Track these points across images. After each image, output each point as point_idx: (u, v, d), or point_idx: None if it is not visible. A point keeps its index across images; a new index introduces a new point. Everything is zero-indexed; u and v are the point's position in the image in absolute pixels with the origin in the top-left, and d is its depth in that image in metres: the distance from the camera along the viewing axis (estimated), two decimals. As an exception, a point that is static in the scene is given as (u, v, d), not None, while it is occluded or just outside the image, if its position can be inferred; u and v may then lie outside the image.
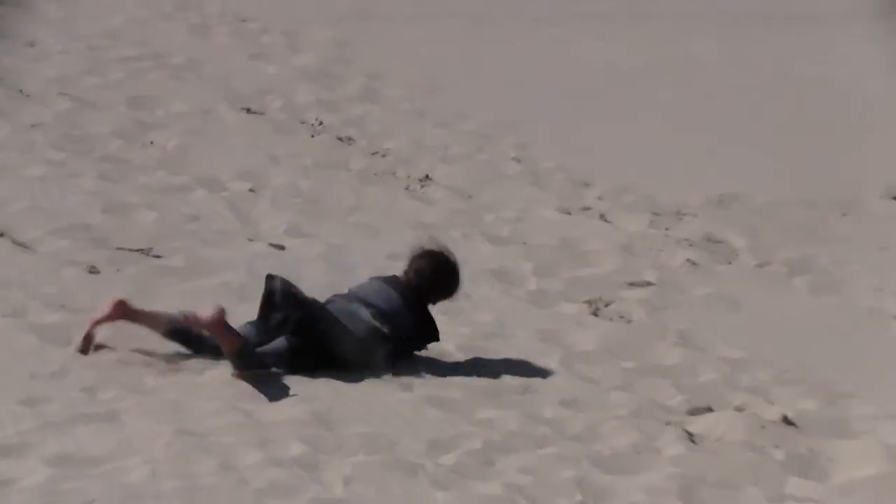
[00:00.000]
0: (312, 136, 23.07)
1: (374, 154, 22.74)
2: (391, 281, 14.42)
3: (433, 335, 14.20)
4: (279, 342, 13.82)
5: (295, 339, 13.71)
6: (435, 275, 14.38)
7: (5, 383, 13.19)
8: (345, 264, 17.10)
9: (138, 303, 15.08)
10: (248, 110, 23.66)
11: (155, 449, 12.03)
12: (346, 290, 14.45)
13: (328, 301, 14.20)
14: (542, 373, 15.08)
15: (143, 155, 21.37)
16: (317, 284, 16.40)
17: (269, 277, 14.25)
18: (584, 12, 39.53)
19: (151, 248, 17.07)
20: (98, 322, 13.64)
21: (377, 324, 13.93)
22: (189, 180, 20.45)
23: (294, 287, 14.08)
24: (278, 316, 13.99)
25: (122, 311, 13.59)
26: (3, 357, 13.91)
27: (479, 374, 14.82)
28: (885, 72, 33.07)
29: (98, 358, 14.06)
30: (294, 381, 14.02)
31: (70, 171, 20.09)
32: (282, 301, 14.02)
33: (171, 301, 15.60)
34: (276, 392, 13.67)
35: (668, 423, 13.88)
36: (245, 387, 13.83)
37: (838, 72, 32.95)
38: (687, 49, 34.46)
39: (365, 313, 13.89)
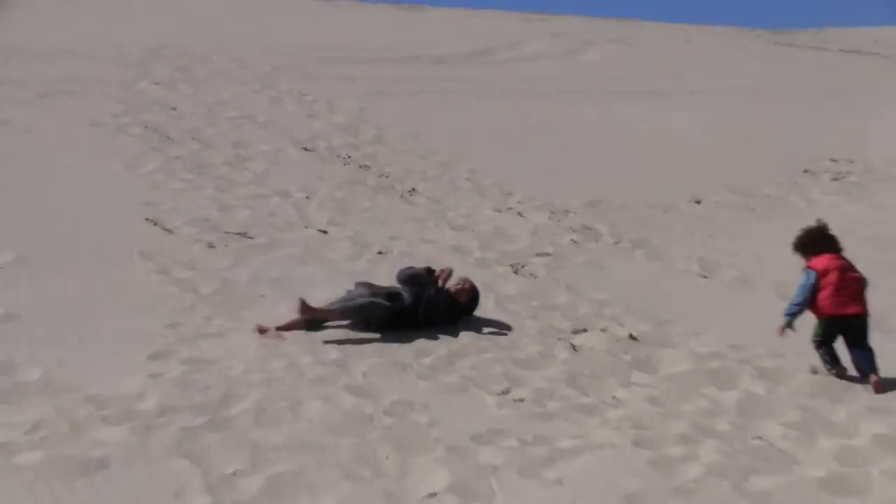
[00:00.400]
0: (344, 165, 23.36)
1: (381, 176, 23.00)
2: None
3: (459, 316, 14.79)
4: (382, 302, 14.11)
5: (394, 306, 13.86)
6: (471, 301, 14.91)
7: (157, 315, 14.03)
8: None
9: (238, 267, 15.94)
10: (305, 149, 24.06)
11: (247, 354, 12.93)
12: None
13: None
14: (484, 308, 15.64)
15: (242, 176, 21.75)
16: (345, 255, 17.29)
17: (407, 269, 14.90)
18: (519, 89, 39.22)
19: (246, 232, 17.63)
20: (289, 324, 13.88)
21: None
22: (269, 191, 20.85)
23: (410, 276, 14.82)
24: (403, 288, 14.46)
25: (303, 307, 13.82)
26: (156, 298, 14.70)
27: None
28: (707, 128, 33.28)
29: (214, 299, 14.91)
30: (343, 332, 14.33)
31: (196, 186, 20.57)
32: (405, 282, 14.67)
33: (259, 265, 16.59)
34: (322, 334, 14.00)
35: (559, 339, 14.53)
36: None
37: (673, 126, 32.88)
38: (569, 113, 34.33)
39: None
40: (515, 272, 16.89)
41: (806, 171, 25.44)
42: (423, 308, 14.01)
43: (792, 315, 13.78)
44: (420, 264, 15.92)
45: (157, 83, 29.26)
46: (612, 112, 31.46)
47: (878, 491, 10.15)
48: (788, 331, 13.74)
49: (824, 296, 13.60)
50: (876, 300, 14.31)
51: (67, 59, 31.66)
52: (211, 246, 16.41)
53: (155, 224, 17.13)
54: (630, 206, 21.40)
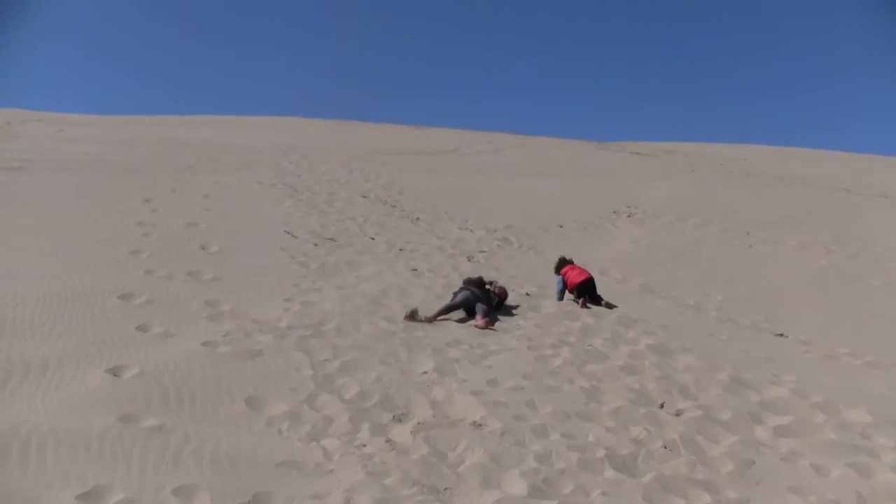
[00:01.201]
0: (382, 205, 23.25)
1: (401, 211, 22.98)
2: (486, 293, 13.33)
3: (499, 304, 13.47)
4: (468, 298, 12.92)
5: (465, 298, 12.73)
6: (502, 295, 13.57)
7: (288, 278, 13.95)
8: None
9: (329, 256, 15.89)
10: (364, 196, 23.92)
11: (333, 300, 12.88)
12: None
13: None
14: (458, 272, 15.43)
15: (332, 209, 21.57)
16: (382, 251, 17.17)
17: (467, 282, 13.55)
18: (472, 169, 39.07)
19: (333, 238, 17.53)
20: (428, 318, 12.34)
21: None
22: (345, 218, 21.08)
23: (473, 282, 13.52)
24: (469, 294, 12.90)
25: (429, 319, 12.28)
26: (288, 271, 14.49)
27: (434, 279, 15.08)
28: (563, 190, 33.20)
29: (317, 272, 14.72)
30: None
31: (309, 215, 20.47)
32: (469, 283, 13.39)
33: (339, 255, 16.27)
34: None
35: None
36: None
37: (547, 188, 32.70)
38: (497, 181, 34.27)
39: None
40: (469, 260, 16.84)
41: (614, 212, 25.30)
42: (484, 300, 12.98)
43: (559, 297, 14.76)
44: (464, 271, 15.74)
45: (291, 163, 29.12)
46: (517, 181, 31.23)
47: (647, 373, 10.39)
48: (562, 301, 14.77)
49: (570, 277, 14.74)
50: (654, 276, 14.35)
51: (248, 151, 31.55)
52: (315, 245, 16.30)
53: (288, 233, 17.09)
54: (526, 227, 21.25)
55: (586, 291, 14.60)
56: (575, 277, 14.76)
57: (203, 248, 15.21)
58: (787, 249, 22.49)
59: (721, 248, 22.37)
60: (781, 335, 13.69)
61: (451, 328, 12.03)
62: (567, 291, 14.87)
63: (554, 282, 15.27)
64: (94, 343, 9.15)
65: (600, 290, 14.98)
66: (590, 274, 14.95)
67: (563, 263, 15.31)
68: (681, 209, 27.88)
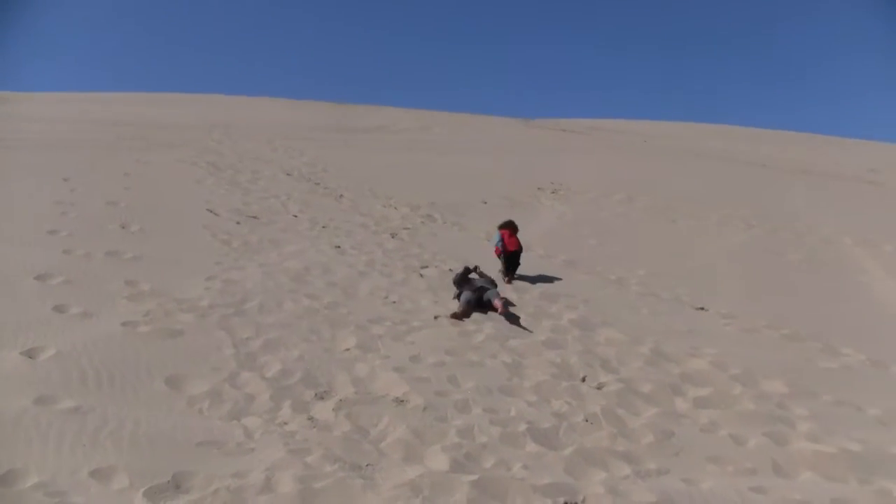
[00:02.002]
0: (307, 182, 23.13)
1: (325, 188, 22.89)
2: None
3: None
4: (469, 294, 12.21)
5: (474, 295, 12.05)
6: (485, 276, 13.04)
7: (210, 256, 13.79)
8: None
9: (252, 234, 15.78)
10: (288, 174, 23.87)
11: (256, 278, 12.79)
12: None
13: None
14: (381, 249, 15.35)
15: (255, 187, 21.54)
16: (305, 228, 17.03)
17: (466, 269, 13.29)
18: (398, 146, 38.89)
19: (257, 216, 17.66)
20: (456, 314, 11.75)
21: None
22: (269, 195, 20.91)
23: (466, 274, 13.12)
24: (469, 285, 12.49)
25: (458, 316, 11.65)
26: (210, 248, 14.33)
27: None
28: (488, 166, 33.23)
29: (239, 249, 14.58)
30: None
31: (231, 192, 20.45)
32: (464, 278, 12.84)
33: (262, 232, 16.16)
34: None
35: (414, 271, 14.42)
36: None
37: (474, 165, 32.73)
38: (423, 157, 34.08)
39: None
40: (392, 237, 16.80)
41: (539, 189, 25.46)
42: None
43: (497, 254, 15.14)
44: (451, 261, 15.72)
45: (214, 141, 28.81)
46: (443, 158, 31.34)
47: (569, 347, 10.47)
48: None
49: (504, 244, 15.02)
50: (578, 251, 14.47)
51: (171, 129, 31.14)
52: (238, 223, 16.16)
53: (210, 211, 16.89)
54: (451, 204, 21.29)
55: (513, 262, 14.92)
56: (510, 245, 15.04)
57: (123, 227, 14.90)
58: (709, 224, 22.84)
59: (644, 223, 22.63)
60: (702, 308, 13.90)
61: (375, 305, 11.98)
62: (497, 255, 15.15)
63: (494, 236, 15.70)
64: (9, 325, 8.85)
65: (524, 266, 15.22)
66: (520, 248, 15.17)
67: (508, 225, 15.56)
68: (605, 185, 28.16)
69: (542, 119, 61.41)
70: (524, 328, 11.45)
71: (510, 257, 15.00)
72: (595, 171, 31.41)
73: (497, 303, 11.77)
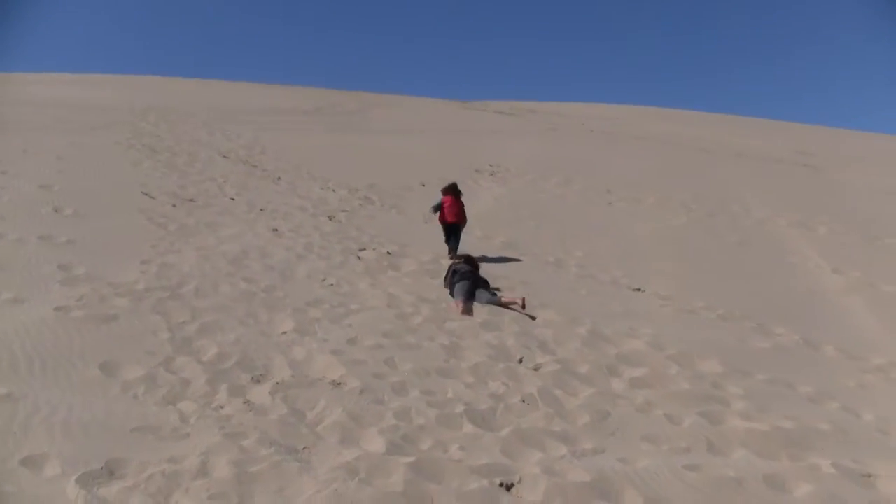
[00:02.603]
0: (243, 165, 22.98)
1: (263, 171, 22.76)
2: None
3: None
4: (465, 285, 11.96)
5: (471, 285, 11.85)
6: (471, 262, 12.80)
7: (146, 240, 13.59)
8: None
9: (189, 217, 15.57)
10: (224, 156, 23.67)
11: (192, 261, 12.67)
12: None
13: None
14: (319, 232, 15.31)
15: (192, 169, 21.32)
16: (243, 211, 16.89)
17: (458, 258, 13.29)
18: (336, 127, 38.78)
19: (193, 199, 17.54)
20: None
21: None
22: (205, 178, 20.81)
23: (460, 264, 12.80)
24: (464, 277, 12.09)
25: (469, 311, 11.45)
26: (145, 232, 14.18)
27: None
28: (429, 149, 33.23)
29: (176, 233, 14.41)
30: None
31: (168, 175, 20.22)
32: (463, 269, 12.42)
33: (199, 216, 15.97)
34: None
35: (352, 254, 14.45)
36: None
37: (412, 148, 32.74)
38: (362, 139, 34.08)
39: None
40: (330, 219, 16.76)
41: (477, 171, 25.56)
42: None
43: (434, 210, 15.77)
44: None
45: (150, 123, 28.45)
46: (381, 141, 31.42)
47: (507, 329, 10.39)
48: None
49: (442, 212, 15.42)
50: (516, 233, 14.55)
51: (106, 111, 30.69)
52: (174, 206, 15.99)
53: (146, 194, 16.69)
54: (389, 186, 21.34)
55: (452, 234, 15.32)
56: (449, 216, 15.42)
57: (56, 211, 14.63)
58: (647, 207, 23.12)
59: (582, 205, 22.85)
60: (639, 290, 14.09)
61: (313, 288, 11.92)
62: (440, 220, 15.59)
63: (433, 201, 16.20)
64: (-62, 311, 8.81)
65: (463, 247, 15.30)
66: (461, 221, 15.50)
67: (452, 190, 15.84)
68: (543, 167, 28.34)
69: (480, 101, 61.47)
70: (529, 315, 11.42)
71: (450, 228, 15.16)
72: (533, 154, 31.56)
73: (505, 299, 11.81)
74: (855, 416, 8.29)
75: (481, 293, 11.91)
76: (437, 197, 16.08)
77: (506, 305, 11.65)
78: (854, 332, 12.24)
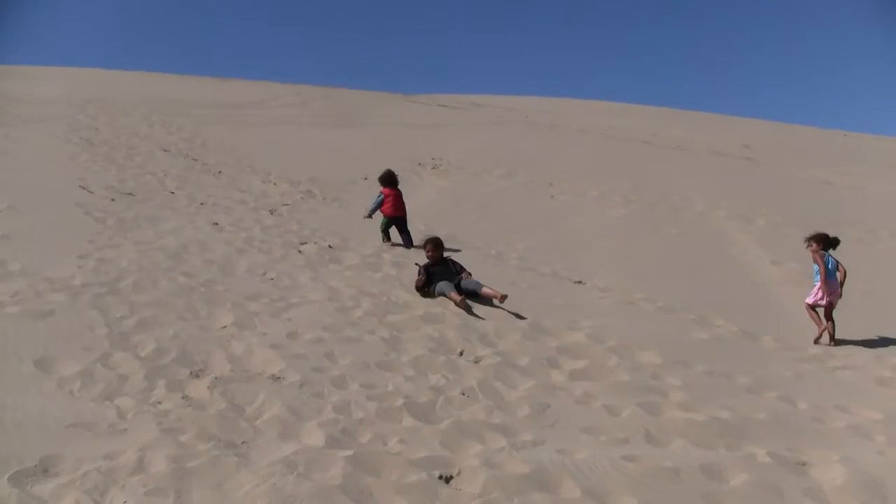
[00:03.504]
0: (184, 158, 22.82)
1: (203, 164, 22.58)
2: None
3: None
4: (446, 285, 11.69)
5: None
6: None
7: (83, 234, 13.43)
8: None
9: (127, 211, 15.35)
10: (165, 150, 23.48)
11: (130, 257, 12.56)
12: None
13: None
14: (260, 225, 15.31)
15: (131, 163, 21.20)
16: (183, 205, 16.74)
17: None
18: (276, 121, 38.52)
19: (132, 193, 17.57)
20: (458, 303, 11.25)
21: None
22: (145, 172, 20.63)
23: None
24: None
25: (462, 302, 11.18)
26: (83, 227, 13.97)
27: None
28: (352, 142, 33.11)
29: (114, 227, 14.26)
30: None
31: (107, 169, 20.00)
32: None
33: (138, 210, 15.80)
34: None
35: (293, 247, 14.37)
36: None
37: (353, 141, 32.70)
38: (303, 133, 33.77)
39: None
40: (271, 213, 16.70)
41: (419, 164, 25.60)
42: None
43: (372, 211, 16.45)
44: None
45: (88, 116, 28.09)
46: (323, 134, 31.20)
47: (448, 322, 10.46)
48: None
49: (387, 205, 15.71)
50: (458, 226, 14.61)
51: (43, 104, 30.24)
52: (113, 200, 15.83)
53: (84, 188, 16.49)
54: (331, 180, 21.30)
55: (396, 226, 15.69)
56: (390, 209, 15.72)
57: (-9, 205, 14.45)
58: (589, 200, 23.31)
59: (524, 198, 22.97)
60: (580, 282, 14.20)
61: (253, 282, 11.84)
62: (383, 213, 15.91)
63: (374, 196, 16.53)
64: None
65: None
66: (403, 214, 15.81)
67: (391, 181, 16.13)
68: (486, 161, 28.44)
69: (424, 95, 61.43)
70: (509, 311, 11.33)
71: (392, 220, 15.38)
72: (476, 147, 31.63)
73: (487, 291, 11.58)
74: (791, 406, 8.39)
75: (467, 283, 11.87)
76: (377, 191, 16.30)
77: (485, 296, 11.53)
78: (792, 323, 12.36)
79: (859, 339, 11.79)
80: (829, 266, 11.96)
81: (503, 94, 70.41)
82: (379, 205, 16.08)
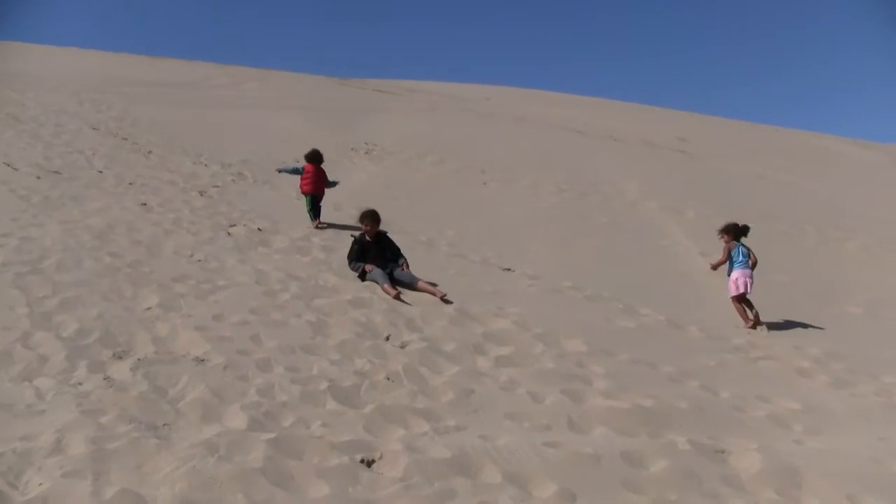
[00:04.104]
0: (114, 138, 22.42)
1: (133, 144, 22.28)
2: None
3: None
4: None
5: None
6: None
7: (7, 213, 13.18)
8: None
9: (53, 189, 15.08)
10: (94, 128, 23.05)
11: (55, 236, 12.37)
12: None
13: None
14: (189, 207, 15.04)
15: (59, 141, 20.86)
16: (111, 185, 16.50)
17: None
18: (210, 101, 38.16)
19: (59, 171, 17.03)
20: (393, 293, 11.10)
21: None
22: (73, 150, 20.23)
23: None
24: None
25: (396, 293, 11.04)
26: (7, 205, 13.77)
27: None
28: (298, 123, 32.90)
29: (39, 206, 14.02)
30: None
31: (33, 146, 19.65)
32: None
33: (64, 188, 15.54)
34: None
35: (222, 229, 14.31)
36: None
37: (284, 123, 32.48)
38: (234, 113, 33.57)
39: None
40: (201, 194, 16.53)
41: (352, 149, 25.55)
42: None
43: (283, 170, 17.20)
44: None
45: (15, 92, 27.53)
46: (255, 116, 31.08)
47: (375, 306, 10.41)
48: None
49: (305, 181, 16.13)
50: (389, 212, 14.62)
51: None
52: (38, 178, 15.55)
53: (8, 165, 16.16)
54: (262, 162, 21.13)
55: (314, 202, 15.98)
56: (307, 186, 16.04)
57: None
58: (521, 188, 23.45)
59: (456, 185, 23.05)
60: (509, 269, 14.30)
61: (180, 264, 11.71)
62: (300, 189, 16.32)
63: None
64: None
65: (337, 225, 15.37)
66: (320, 192, 16.11)
67: (313, 157, 16.38)
68: (419, 147, 28.44)
69: (359, 79, 61.19)
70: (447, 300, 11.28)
71: (309, 198, 15.57)
72: (410, 133, 31.65)
73: (423, 285, 11.60)
74: (713, 395, 8.53)
75: (401, 274, 11.81)
76: (298, 165, 16.80)
77: (422, 290, 11.52)
78: (717, 313, 12.61)
79: (781, 330, 12.05)
80: (741, 255, 12.35)
81: (440, 81, 70.50)
82: (294, 172, 16.64)
